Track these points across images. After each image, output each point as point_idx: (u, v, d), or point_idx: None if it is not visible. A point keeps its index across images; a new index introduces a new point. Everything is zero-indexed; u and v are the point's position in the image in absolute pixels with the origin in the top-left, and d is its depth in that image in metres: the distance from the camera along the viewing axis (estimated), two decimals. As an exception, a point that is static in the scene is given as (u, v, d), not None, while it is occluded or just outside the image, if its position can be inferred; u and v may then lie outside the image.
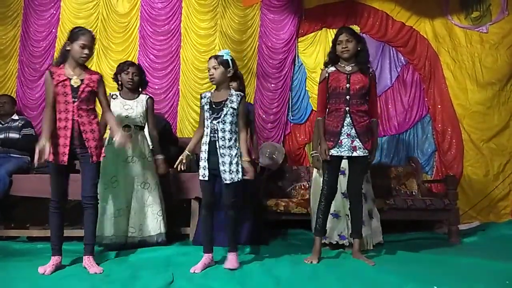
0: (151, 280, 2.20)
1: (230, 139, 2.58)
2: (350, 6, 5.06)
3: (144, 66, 4.92)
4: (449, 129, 4.86)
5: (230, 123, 2.59)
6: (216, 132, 2.58)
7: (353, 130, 2.74)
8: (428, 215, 3.78)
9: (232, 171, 2.56)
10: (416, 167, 4.55)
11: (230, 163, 2.56)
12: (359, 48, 2.80)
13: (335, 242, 3.20)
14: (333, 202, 3.08)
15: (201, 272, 2.44)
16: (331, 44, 2.94)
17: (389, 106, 4.98)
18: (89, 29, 2.67)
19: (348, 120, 2.74)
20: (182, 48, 5.03)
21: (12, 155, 3.86)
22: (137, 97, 3.33)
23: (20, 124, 4.08)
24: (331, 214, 3.15)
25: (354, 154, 2.74)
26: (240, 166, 2.59)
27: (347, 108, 2.74)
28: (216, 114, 2.60)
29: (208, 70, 2.66)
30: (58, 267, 2.49)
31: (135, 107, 3.29)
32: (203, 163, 2.60)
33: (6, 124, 4.06)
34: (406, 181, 4.44)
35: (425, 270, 2.48)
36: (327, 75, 2.83)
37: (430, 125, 4.95)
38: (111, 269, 2.48)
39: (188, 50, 5.02)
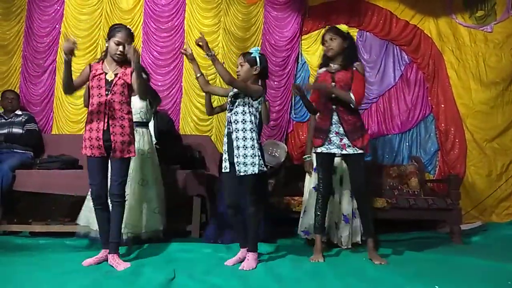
0: (153, 276, 2.21)
1: (243, 130, 2.57)
2: (354, 4, 5.04)
3: (147, 62, 4.94)
4: (452, 129, 4.85)
5: (242, 113, 2.59)
6: (231, 124, 2.61)
7: (341, 128, 2.74)
8: (430, 215, 3.77)
9: (247, 164, 2.53)
10: (419, 167, 4.53)
11: (245, 156, 2.54)
12: (345, 46, 2.78)
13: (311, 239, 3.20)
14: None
15: (203, 268, 2.45)
16: None
17: (392, 105, 4.97)
18: (127, 26, 2.66)
19: (335, 118, 2.75)
20: (186, 45, 5.01)
21: (15, 150, 3.87)
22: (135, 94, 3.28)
23: (23, 120, 4.09)
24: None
25: (344, 152, 2.75)
26: (256, 158, 2.54)
27: (333, 106, 2.75)
28: (231, 105, 2.65)
29: (236, 67, 2.73)
30: (103, 259, 2.53)
31: (133, 103, 3.22)
32: (224, 155, 2.64)
33: (10, 119, 4.07)
34: (408, 180, 4.43)
35: (427, 269, 2.48)
36: (317, 75, 2.90)
37: (433, 125, 4.94)
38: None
39: (191, 47, 5.00)
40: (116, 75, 2.57)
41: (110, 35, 2.59)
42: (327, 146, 2.76)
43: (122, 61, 2.60)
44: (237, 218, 2.66)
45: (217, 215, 3.44)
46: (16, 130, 4.02)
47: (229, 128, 2.63)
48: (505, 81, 4.82)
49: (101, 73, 2.56)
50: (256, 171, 2.54)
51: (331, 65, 2.83)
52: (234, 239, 3.19)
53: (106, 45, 2.61)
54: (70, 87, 2.54)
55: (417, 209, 3.68)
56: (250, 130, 2.58)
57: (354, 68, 2.77)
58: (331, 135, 2.75)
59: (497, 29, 4.89)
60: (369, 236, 2.80)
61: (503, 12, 4.91)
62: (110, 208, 2.60)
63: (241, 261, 2.58)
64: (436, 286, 2.04)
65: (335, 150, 2.76)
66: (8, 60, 4.87)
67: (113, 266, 2.44)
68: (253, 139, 2.58)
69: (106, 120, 2.51)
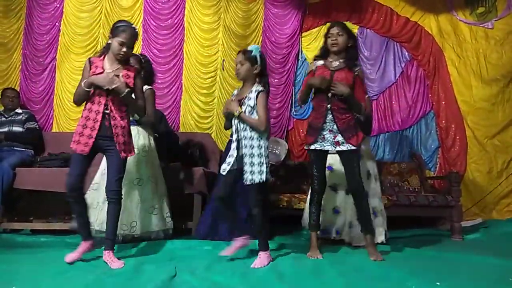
0: (154, 274, 2.21)
1: (251, 138, 2.52)
2: (354, 1, 5.04)
3: (147, 60, 4.93)
4: (453, 126, 4.85)
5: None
6: (239, 131, 2.54)
7: (335, 126, 2.71)
8: (431, 212, 3.77)
9: (254, 172, 2.47)
10: (419, 164, 4.55)
11: (252, 164, 2.49)
12: (349, 44, 2.76)
13: (333, 238, 3.20)
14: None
15: (205, 265, 2.44)
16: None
17: (393, 102, 4.97)
18: (132, 25, 2.54)
19: (330, 116, 2.72)
20: (186, 42, 5.02)
21: (15, 148, 3.87)
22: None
23: (23, 118, 4.09)
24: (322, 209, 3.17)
25: (338, 148, 2.72)
26: (264, 166, 2.49)
27: (328, 106, 2.71)
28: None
29: (235, 65, 2.61)
30: (85, 252, 2.49)
31: None
32: (230, 159, 2.54)
33: (10, 118, 4.07)
34: (409, 178, 4.44)
35: (428, 266, 2.48)
36: (314, 68, 2.81)
37: (434, 122, 4.95)
38: (114, 263, 2.48)
39: (191, 45, 5.01)
40: (117, 76, 2.47)
41: (114, 34, 2.48)
42: (320, 143, 2.74)
43: (124, 60, 2.54)
44: (229, 211, 2.62)
45: (211, 211, 3.39)
46: (17, 128, 4.01)
47: (237, 135, 2.55)
48: (506, 78, 4.82)
49: (101, 72, 2.46)
50: (264, 179, 2.48)
51: (331, 61, 2.79)
52: (231, 234, 3.17)
53: (109, 41, 2.50)
54: (84, 100, 2.51)
55: (417, 206, 3.68)
56: (257, 138, 2.53)
57: (356, 73, 2.73)
58: (324, 133, 2.73)
59: (498, 25, 4.89)
60: (368, 232, 2.80)
61: (504, 9, 4.91)
62: (107, 205, 2.56)
63: (238, 249, 2.56)
64: (438, 283, 2.04)
65: (328, 147, 2.74)
66: (8, 58, 4.87)
67: (107, 263, 2.43)
68: (261, 146, 2.53)
69: (106, 120, 2.46)
